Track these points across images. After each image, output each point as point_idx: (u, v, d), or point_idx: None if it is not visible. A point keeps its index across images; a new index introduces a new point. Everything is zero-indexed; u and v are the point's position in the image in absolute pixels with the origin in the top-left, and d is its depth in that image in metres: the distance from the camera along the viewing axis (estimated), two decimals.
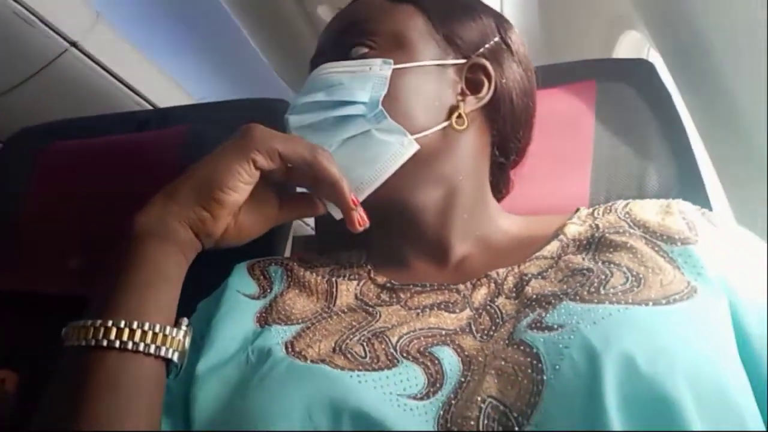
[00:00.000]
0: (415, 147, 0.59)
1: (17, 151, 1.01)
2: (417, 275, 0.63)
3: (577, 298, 0.50)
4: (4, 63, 1.88)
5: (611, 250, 0.55)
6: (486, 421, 0.44)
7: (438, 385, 0.48)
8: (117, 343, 0.45)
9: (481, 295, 0.57)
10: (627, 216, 0.60)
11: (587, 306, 0.48)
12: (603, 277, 0.52)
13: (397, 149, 0.59)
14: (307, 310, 0.59)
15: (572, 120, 0.82)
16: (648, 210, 0.60)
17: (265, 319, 0.58)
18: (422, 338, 0.53)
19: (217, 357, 0.54)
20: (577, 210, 0.66)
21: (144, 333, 0.46)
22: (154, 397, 0.47)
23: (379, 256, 0.66)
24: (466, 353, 0.51)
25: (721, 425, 0.41)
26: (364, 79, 0.59)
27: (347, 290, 0.61)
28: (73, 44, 2.02)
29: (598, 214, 0.63)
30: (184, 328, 0.49)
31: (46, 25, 1.91)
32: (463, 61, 0.64)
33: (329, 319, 0.57)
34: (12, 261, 0.90)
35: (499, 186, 0.73)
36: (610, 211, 0.62)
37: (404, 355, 0.52)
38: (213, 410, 0.50)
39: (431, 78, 0.62)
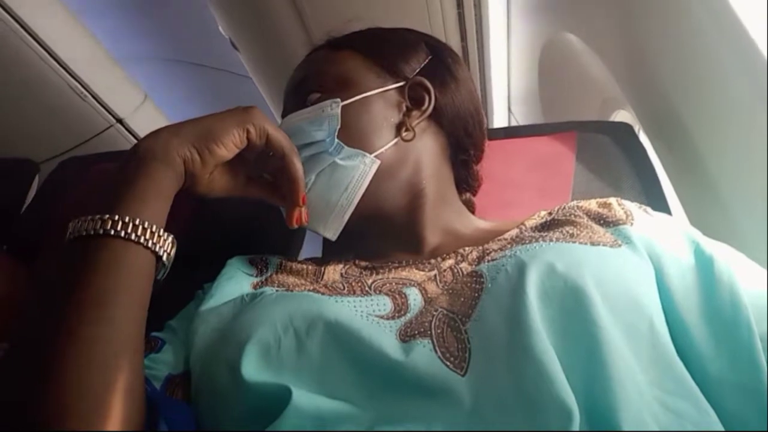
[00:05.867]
0: (377, 163, 0.68)
1: (67, 171, 1.13)
2: (396, 260, 0.70)
3: (521, 243, 0.60)
4: (53, 131, 2.04)
5: (558, 226, 0.64)
6: (436, 323, 0.53)
7: (403, 312, 0.57)
8: (122, 233, 0.51)
9: (447, 263, 0.65)
10: (575, 207, 0.68)
11: (526, 245, 0.58)
12: (545, 234, 0.61)
13: (362, 169, 0.67)
14: (298, 283, 0.66)
15: (554, 159, 0.91)
16: (591, 203, 0.68)
17: (259, 286, 0.66)
18: (393, 282, 0.62)
19: (215, 302, 0.62)
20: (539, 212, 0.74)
21: (144, 229, 0.52)
22: (148, 282, 0.53)
23: (362, 255, 0.73)
24: (429, 295, 0.59)
25: (626, 316, 0.50)
26: (319, 121, 0.68)
27: (333, 270, 0.69)
28: (119, 121, 2.20)
29: (554, 211, 0.70)
30: (171, 237, 0.55)
31: (97, 100, 2.10)
32: (401, 83, 0.73)
33: (317, 287, 0.64)
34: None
35: (468, 181, 0.81)
36: (563, 207, 0.70)
37: (377, 291, 0.60)
38: (210, 339, 0.58)
39: (376, 105, 0.71)
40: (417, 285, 0.61)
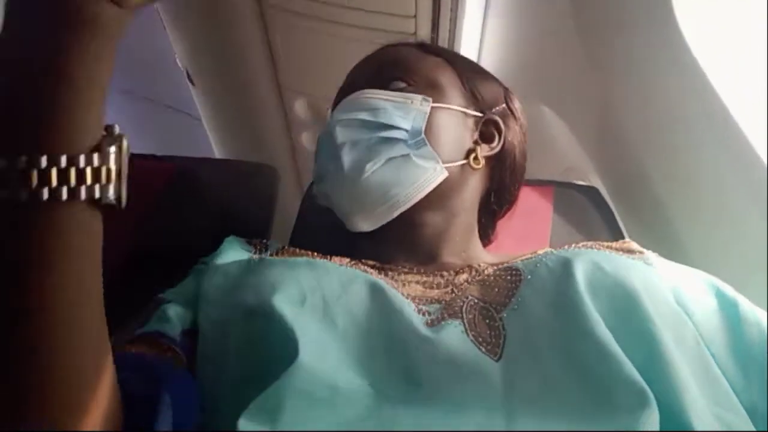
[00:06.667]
0: (445, 174, 0.66)
1: None
2: (405, 266, 0.66)
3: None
4: None
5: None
6: (467, 308, 0.51)
7: (424, 313, 0.54)
8: (44, 195, 0.32)
9: (462, 278, 0.62)
10: (590, 243, 0.68)
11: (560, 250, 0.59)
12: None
13: (431, 174, 0.65)
14: None
15: (533, 208, 0.92)
16: (605, 243, 0.68)
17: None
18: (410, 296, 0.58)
19: (222, 261, 0.60)
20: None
21: (80, 170, 0.33)
22: (96, 246, 0.37)
23: (367, 256, 0.69)
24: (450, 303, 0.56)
25: (674, 326, 0.49)
26: (405, 110, 0.66)
27: (340, 261, 0.63)
28: None
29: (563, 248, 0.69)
30: (126, 142, 0.36)
31: None
32: (480, 114, 0.73)
33: None
34: None
35: (488, 232, 0.80)
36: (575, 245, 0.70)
37: None
38: (217, 296, 0.54)
39: (457, 121, 0.70)
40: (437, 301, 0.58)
